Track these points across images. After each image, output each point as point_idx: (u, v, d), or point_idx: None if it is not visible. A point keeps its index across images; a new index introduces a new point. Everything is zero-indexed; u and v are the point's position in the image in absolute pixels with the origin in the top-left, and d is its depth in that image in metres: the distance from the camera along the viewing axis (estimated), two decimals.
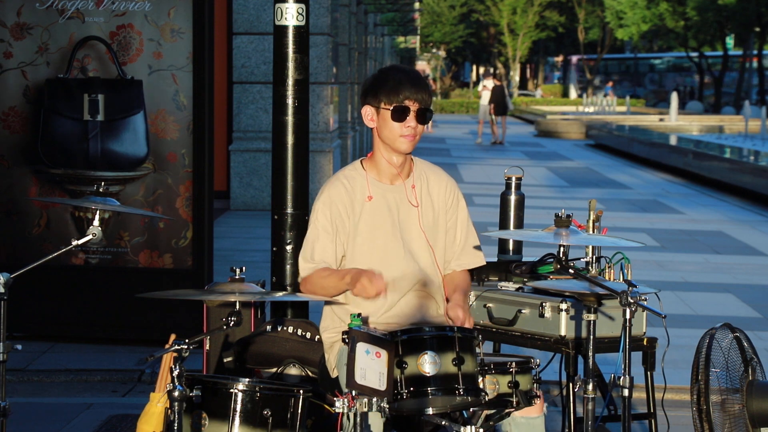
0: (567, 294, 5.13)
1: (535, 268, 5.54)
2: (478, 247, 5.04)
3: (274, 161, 6.91)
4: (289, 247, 6.81)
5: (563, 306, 5.24)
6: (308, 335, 5.27)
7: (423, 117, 4.77)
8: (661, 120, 45.72)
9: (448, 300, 4.92)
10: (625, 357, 4.48)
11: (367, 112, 4.83)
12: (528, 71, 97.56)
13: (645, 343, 5.39)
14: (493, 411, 4.56)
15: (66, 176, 8.47)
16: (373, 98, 4.80)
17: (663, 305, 5.06)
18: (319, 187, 16.93)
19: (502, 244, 5.89)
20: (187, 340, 4.08)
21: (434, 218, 4.91)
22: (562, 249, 4.66)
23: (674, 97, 46.98)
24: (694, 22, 62.70)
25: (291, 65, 6.84)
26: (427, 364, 4.29)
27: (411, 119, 4.75)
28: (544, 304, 5.31)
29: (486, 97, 36.28)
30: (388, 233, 4.81)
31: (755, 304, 10.93)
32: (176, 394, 4.04)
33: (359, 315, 4.29)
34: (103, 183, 5.21)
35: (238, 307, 4.25)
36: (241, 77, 16.54)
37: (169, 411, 4.11)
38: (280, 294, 6.27)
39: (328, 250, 4.79)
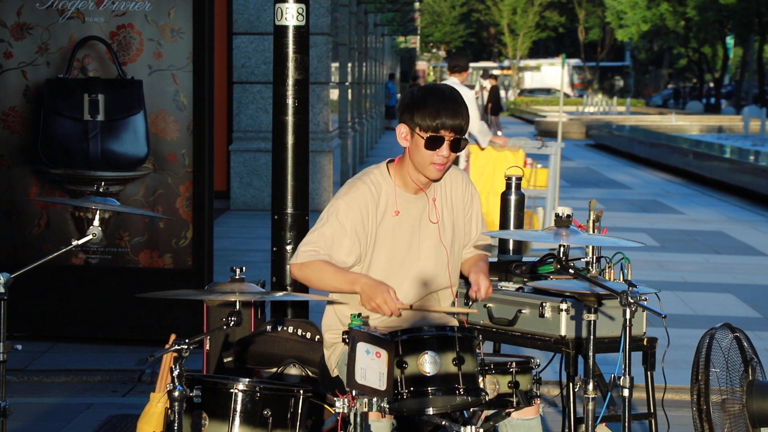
0: (567, 294, 5.12)
1: (536, 268, 5.54)
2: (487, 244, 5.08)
3: (274, 161, 6.91)
4: (289, 247, 6.81)
5: (563, 306, 5.23)
6: (308, 335, 5.27)
7: (457, 146, 4.68)
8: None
9: (466, 279, 4.98)
10: (625, 357, 4.48)
11: (402, 130, 4.72)
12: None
13: (645, 343, 5.39)
14: (493, 411, 4.57)
15: (66, 176, 8.47)
16: (409, 119, 4.69)
17: (663, 305, 5.06)
18: (319, 187, 16.77)
19: (502, 244, 5.89)
20: (187, 340, 4.08)
21: (453, 223, 4.90)
22: (562, 249, 4.66)
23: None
24: (695, 22, 62.71)
25: (291, 65, 6.84)
26: (427, 364, 4.29)
27: (444, 149, 4.66)
28: (544, 304, 5.30)
29: (484, 97, 36.28)
30: (407, 249, 4.79)
31: (755, 304, 10.93)
32: (176, 394, 4.04)
33: (359, 315, 4.29)
34: (103, 183, 5.21)
35: (238, 307, 4.25)
36: (241, 77, 16.54)
37: (169, 411, 4.11)
38: (280, 294, 6.27)
39: (337, 248, 4.70)
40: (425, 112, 4.64)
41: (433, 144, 4.65)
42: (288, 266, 6.81)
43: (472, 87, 13.25)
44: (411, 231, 4.80)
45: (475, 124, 12.76)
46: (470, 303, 5.00)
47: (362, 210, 4.71)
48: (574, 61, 76.60)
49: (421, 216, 4.81)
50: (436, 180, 4.79)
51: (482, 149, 13.08)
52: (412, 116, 4.67)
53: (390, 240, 4.76)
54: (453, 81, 12.82)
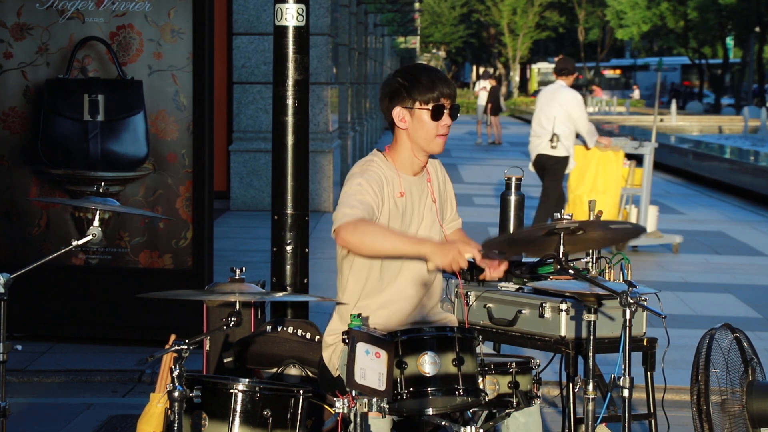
0: (567, 294, 5.13)
1: (535, 268, 5.54)
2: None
3: (274, 161, 6.91)
4: (289, 248, 6.81)
5: (563, 306, 5.23)
6: (308, 335, 5.27)
7: (454, 114, 4.78)
8: (661, 120, 45.77)
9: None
10: (625, 357, 4.48)
11: (399, 113, 4.75)
12: (528, 72, 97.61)
13: (645, 343, 5.39)
14: (493, 411, 4.56)
15: (66, 176, 8.47)
16: (404, 99, 4.74)
17: (663, 305, 5.07)
18: (319, 187, 16.76)
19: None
20: (187, 341, 4.08)
21: (443, 203, 4.95)
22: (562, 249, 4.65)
23: (674, 99, 47.07)
24: (695, 23, 62.72)
25: (291, 65, 6.84)
26: (427, 364, 4.29)
27: (446, 117, 4.74)
28: (544, 304, 5.31)
29: (483, 97, 36.33)
30: (413, 229, 4.80)
31: (755, 305, 10.93)
32: (176, 394, 4.04)
33: (359, 315, 4.29)
34: (103, 183, 5.23)
35: (238, 307, 4.25)
36: (241, 77, 16.54)
37: (169, 411, 4.11)
38: (280, 294, 6.27)
39: (374, 205, 4.65)
40: (422, 86, 4.72)
41: (438, 113, 4.71)
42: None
43: (580, 88, 13.71)
44: (416, 212, 4.82)
45: (584, 125, 13.08)
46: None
47: (380, 184, 4.71)
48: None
49: (422, 197, 4.84)
50: (439, 153, 4.83)
51: (588, 149, 13.39)
52: (410, 94, 4.73)
53: (399, 222, 4.77)
54: (560, 84, 13.06)
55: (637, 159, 14.25)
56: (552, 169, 12.94)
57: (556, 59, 13.90)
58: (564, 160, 12.93)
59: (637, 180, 13.96)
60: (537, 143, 13.01)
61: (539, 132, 12.97)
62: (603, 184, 13.57)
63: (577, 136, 13.14)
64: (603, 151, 13.53)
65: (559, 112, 12.82)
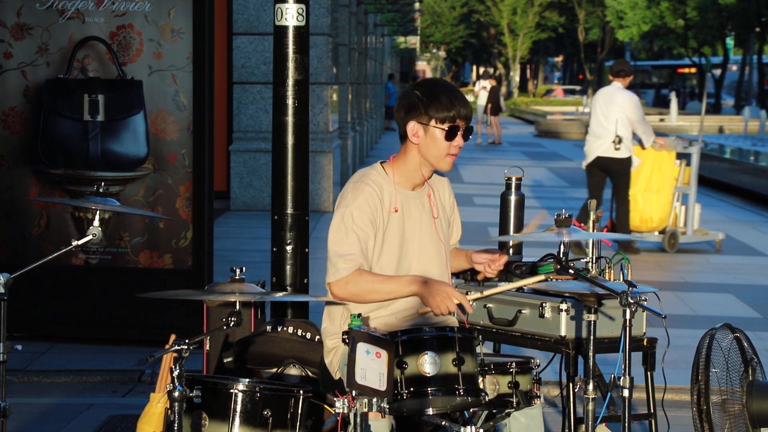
0: (567, 294, 5.13)
1: (536, 268, 5.54)
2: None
3: (274, 161, 6.91)
4: (289, 248, 6.81)
5: (563, 306, 5.23)
6: (308, 335, 5.27)
7: (467, 135, 4.79)
8: (661, 120, 45.77)
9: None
10: (625, 357, 4.48)
11: (413, 128, 4.75)
12: (528, 72, 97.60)
13: (645, 343, 5.39)
14: (493, 411, 4.57)
15: (66, 176, 8.47)
16: (421, 115, 4.74)
17: (663, 305, 5.07)
18: (319, 187, 16.75)
19: (502, 244, 5.88)
20: (187, 341, 4.08)
21: (446, 222, 4.94)
22: (562, 249, 4.66)
23: (674, 99, 47.04)
24: (695, 23, 62.70)
25: (291, 65, 6.84)
26: (427, 364, 4.29)
27: (459, 138, 4.75)
28: (544, 304, 5.31)
29: (483, 97, 36.32)
30: (411, 245, 4.80)
31: (755, 305, 10.92)
32: (176, 394, 4.04)
33: (359, 315, 4.29)
34: (103, 183, 5.22)
35: (238, 307, 4.25)
36: (241, 77, 16.54)
37: (169, 411, 4.11)
38: (280, 294, 6.27)
39: (366, 250, 4.71)
40: (440, 104, 4.72)
41: (452, 134, 4.72)
42: (287, 266, 6.80)
43: (633, 87, 14.08)
44: (414, 228, 4.81)
45: (641, 126, 13.38)
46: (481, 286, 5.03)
47: (372, 211, 4.73)
48: None
49: (421, 213, 4.83)
50: (447, 172, 4.86)
51: (643, 149, 13.70)
52: (426, 111, 4.73)
53: (398, 238, 4.77)
54: (616, 85, 13.33)
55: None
56: (620, 172, 13.29)
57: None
58: (628, 161, 13.27)
59: (687, 179, 14.20)
60: (598, 144, 13.29)
61: (600, 133, 13.25)
62: (657, 183, 13.83)
63: (633, 135, 13.40)
64: (658, 151, 13.72)
65: (620, 115, 13.10)
